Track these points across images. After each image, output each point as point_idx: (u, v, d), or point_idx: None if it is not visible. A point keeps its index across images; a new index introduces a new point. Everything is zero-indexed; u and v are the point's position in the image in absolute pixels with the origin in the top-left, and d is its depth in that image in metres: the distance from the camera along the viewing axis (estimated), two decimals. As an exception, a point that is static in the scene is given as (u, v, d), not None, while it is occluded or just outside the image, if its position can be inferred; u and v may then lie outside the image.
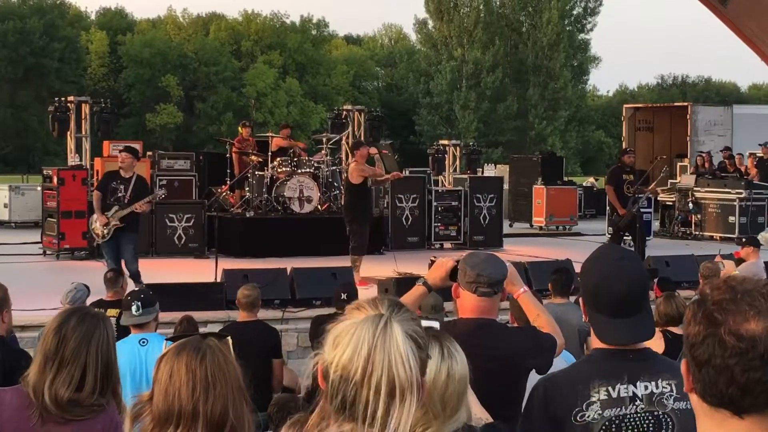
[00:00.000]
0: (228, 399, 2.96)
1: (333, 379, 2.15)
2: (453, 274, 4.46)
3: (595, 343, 3.53)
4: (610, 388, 3.39)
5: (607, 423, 3.38)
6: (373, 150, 16.40)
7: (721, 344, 1.87)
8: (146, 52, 64.43)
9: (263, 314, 10.26)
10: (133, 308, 6.90)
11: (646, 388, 3.40)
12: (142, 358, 6.61)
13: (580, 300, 3.62)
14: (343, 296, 9.25)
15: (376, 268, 15.48)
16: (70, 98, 19.95)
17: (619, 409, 3.39)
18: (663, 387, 3.41)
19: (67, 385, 3.76)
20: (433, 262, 4.68)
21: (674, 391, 3.40)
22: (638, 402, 3.39)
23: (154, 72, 64.23)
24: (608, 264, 3.44)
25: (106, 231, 13.33)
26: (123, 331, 7.26)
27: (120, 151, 14.06)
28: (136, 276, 13.07)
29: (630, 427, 3.39)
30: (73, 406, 3.76)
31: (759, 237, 20.95)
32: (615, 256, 3.47)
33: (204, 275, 13.90)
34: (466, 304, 4.39)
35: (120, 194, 13.36)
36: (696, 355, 1.92)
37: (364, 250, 14.65)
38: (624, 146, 29.88)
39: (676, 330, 6.94)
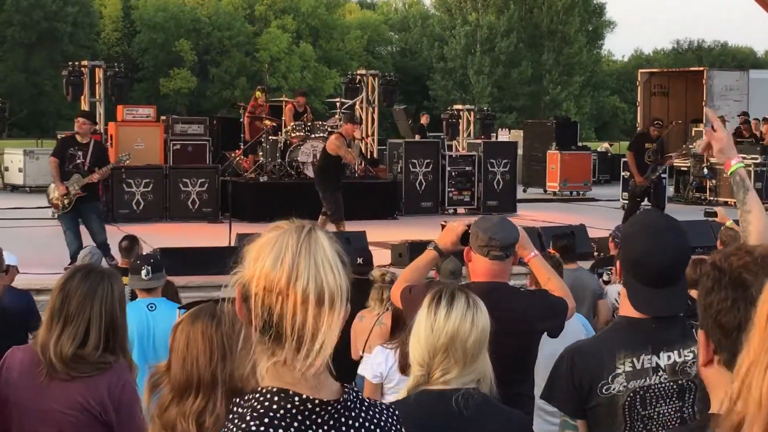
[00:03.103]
0: (246, 363, 2.97)
1: (255, 294, 1.99)
2: (464, 238, 4.46)
3: (622, 309, 3.53)
4: (635, 359, 3.39)
5: (632, 394, 3.38)
6: (357, 133, 16.43)
7: (753, 306, 1.82)
8: (160, 17, 64.20)
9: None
10: (143, 272, 6.71)
11: (668, 358, 3.40)
12: (150, 323, 6.48)
13: (617, 264, 3.58)
14: (359, 260, 9.24)
15: (389, 233, 15.50)
16: (84, 63, 20.00)
17: (643, 380, 3.39)
18: (686, 355, 3.40)
19: (71, 341, 3.77)
20: (443, 226, 4.69)
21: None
22: (661, 372, 3.39)
23: (167, 36, 64.02)
24: (654, 234, 3.39)
25: (66, 201, 12.57)
26: (133, 297, 7.21)
27: (77, 117, 13.22)
28: (104, 248, 11.95)
29: (655, 396, 3.39)
30: (78, 362, 3.78)
31: (774, 203, 20.91)
32: (661, 226, 3.43)
33: (218, 240, 13.95)
34: (478, 267, 4.40)
35: (79, 161, 12.61)
36: (724, 321, 1.90)
37: (342, 214, 14.69)
38: (641, 111, 29.76)
39: (692, 292, 6.88)
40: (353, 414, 2.06)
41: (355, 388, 2.11)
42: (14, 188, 24.94)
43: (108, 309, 3.87)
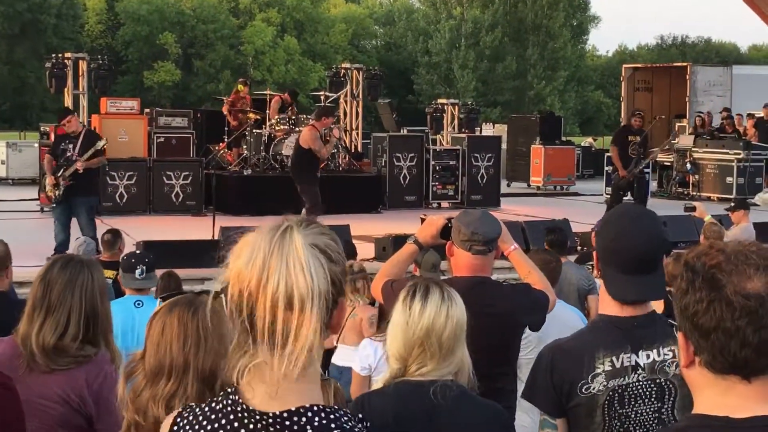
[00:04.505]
0: (219, 354, 2.98)
1: (232, 294, 1.96)
2: (444, 232, 4.46)
3: (601, 307, 3.54)
4: (614, 358, 3.38)
5: (611, 393, 3.38)
6: (336, 132, 16.42)
7: (729, 306, 1.85)
8: (144, 9, 63.98)
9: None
10: (137, 272, 6.64)
11: (648, 357, 3.40)
12: (136, 319, 6.40)
13: (594, 255, 3.58)
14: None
15: (373, 227, 15.52)
16: (68, 55, 19.91)
17: (622, 378, 3.38)
18: (665, 354, 3.41)
19: (53, 331, 3.77)
20: (423, 219, 4.69)
21: (676, 357, 3.41)
22: (640, 371, 3.39)
23: (151, 29, 63.82)
24: (628, 220, 3.41)
25: (57, 192, 12.63)
26: (118, 291, 7.16)
27: (62, 119, 13.21)
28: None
29: (633, 395, 3.39)
30: (59, 354, 3.77)
31: (757, 198, 21.02)
32: (635, 214, 3.46)
33: (201, 233, 13.93)
34: (461, 262, 4.40)
35: (68, 153, 12.74)
36: (701, 323, 1.89)
37: (320, 208, 14.60)
38: (625, 106, 29.83)
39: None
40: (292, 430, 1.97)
41: (330, 408, 2.00)
42: (-3, 180, 24.86)
43: (88, 298, 3.86)
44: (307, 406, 1.97)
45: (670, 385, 3.42)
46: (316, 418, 1.96)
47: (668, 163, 24.15)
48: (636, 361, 3.40)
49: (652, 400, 3.41)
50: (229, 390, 2.00)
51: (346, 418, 2.01)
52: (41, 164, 18.62)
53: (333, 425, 1.98)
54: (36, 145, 21.38)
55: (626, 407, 3.40)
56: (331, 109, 17.35)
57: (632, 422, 3.40)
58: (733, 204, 12.87)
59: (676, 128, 27.71)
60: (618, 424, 3.39)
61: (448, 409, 3.27)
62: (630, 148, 16.77)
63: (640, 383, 3.40)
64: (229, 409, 1.98)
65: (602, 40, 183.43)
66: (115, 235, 9.47)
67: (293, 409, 1.95)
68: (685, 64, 33.36)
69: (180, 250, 12.04)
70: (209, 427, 1.99)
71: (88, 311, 3.84)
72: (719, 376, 1.90)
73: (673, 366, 3.40)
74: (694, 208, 11.39)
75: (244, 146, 19.56)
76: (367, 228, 15.15)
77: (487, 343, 4.29)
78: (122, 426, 3.04)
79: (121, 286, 7.08)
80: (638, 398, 3.40)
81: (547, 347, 3.58)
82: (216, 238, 13.04)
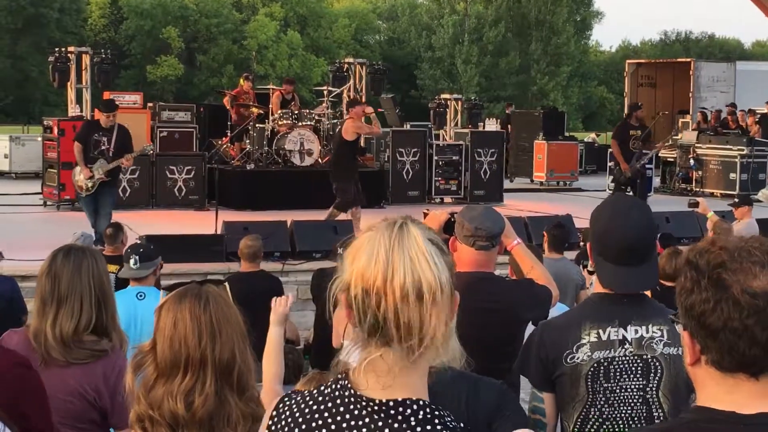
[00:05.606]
0: (234, 343, 2.99)
1: (355, 296, 1.97)
2: (447, 227, 4.45)
3: (597, 288, 3.58)
4: (600, 331, 3.43)
5: (596, 365, 3.42)
6: (368, 109, 16.47)
7: (736, 306, 1.84)
8: (147, 3, 63.96)
9: (263, 266, 10.28)
10: (131, 261, 6.83)
11: (636, 332, 3.44)
12: (139, 311, 6.52)
13: (588, 246, 3.63)
14: (340, 251, 9.23)
15: (375, 222, 15.50)
16: (71, 49, 19.89)
17: (608, 351, 3.43)
18: (653, 332, 3.44)
19: (69, 318, 3.80)
20: (426, 214, 4.68)
21: (664, 336, 3.45)
22: (627, 345, 3.43)
23: (155, 23, 63.79)
24: (618, 212, 3.47)
25: (90, 184, 12.79)
26: (121, 285, 7.25)
27: (102, 112, 13.24)
28: (100, 238, 11.67)
29: (618, 370, 3.44)
30: (77, 344, 3.80)
31: (760, 194, 20.99)
32: (625, 205, 3.51)
33: (204, 227, 13.92)
34: (464, 257, 4.38)
35: (104, 147, 12.84)
36: (709, 323, 1.88)
37: (349, 207, 14.62)
38: (628, 102, 29.76)
39: (667, 282, 6.90)
40: (394, 422, 1.98)
41: (435, 406, 2.02)
42: (0, 174, 24.84)
43: (97, 282, 3.89)
44: (414, 399, 2.00)
45: (657, 363, 3.44)
46: (421, 412, 1.99)
47: (671, 159, 24.11)
48: (624, 336, 3.44)
49: (638, 376, 3.45)
50: (340, 376, 2.05)
51: (449, 418, 2.04)
52: (45, 158, 18.67)
53: (437, 421, 2.00)
54: (39, 139, 21.33)
55: (611, 381, 3.44)
56: (356, 99, 17.50)
57: (617, 398, 3.44)
58: (736, 200, 12.84)
59: (679, 124, 27.74)
60: (603, 399, 3.43)
61: (444, 393, 3.26)
62: (631, 143, 16.77)
63: (627, 358, 3.44)
64: (337, 393, 2.02)
65: (605, 36, 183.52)
66: (117, 228, 9.52)
67: (399, 399, 1.98)
68: (688, 59, 33.34)
69: (183, 245, 12.05)
70: (315, 407, 2.03)
71: (98, 294, 3.87)
72: (726, 374, 1.89)
73: (661, 344, 3.43)
74: (697, 204, 11.39)
75: (247, 141, 19.54)
76: (369, 223, 15.12)
77: (490, 338, 4.29)
78: (130, 418, 3.04)
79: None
80: (623, 373, 3.44)
81: (539, 324, 3.68)
82: (219, 232, 13.03)
